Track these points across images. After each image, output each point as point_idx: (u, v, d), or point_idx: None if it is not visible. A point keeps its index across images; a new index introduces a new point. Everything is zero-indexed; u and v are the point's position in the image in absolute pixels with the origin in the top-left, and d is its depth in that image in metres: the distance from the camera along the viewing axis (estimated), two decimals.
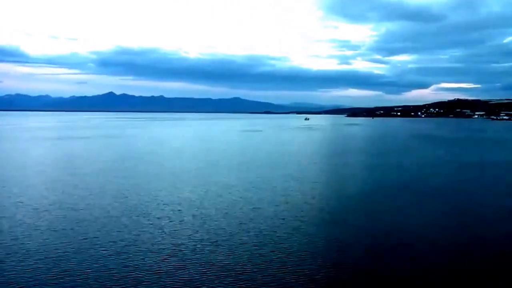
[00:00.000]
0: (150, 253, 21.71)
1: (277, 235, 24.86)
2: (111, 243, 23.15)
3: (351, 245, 23.37)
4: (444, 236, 25.21)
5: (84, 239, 23.86)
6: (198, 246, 22.84)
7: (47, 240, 23.59)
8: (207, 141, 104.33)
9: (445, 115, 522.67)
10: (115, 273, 19.32)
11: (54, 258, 20.96)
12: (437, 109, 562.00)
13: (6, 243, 23.07)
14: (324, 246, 23.31)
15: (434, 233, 25.88)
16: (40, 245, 22.75)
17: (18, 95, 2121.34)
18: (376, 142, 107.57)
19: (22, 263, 20.28)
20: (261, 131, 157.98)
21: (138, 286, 18.11)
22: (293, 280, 18.79)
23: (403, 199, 35.17)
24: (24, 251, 21.90)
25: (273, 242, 23.53)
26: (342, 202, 34.03)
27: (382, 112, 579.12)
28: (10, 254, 21.48)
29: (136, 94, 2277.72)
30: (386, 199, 35.08)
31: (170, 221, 27.42)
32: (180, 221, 27.55)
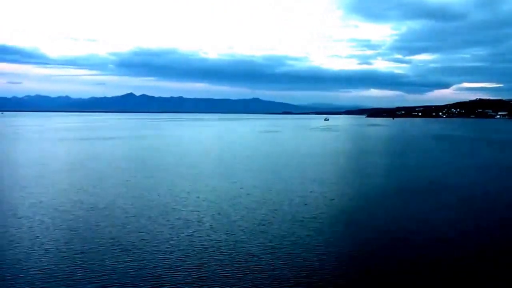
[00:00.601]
0: (168, 253, 21.72)
1: (296, 236, 24.69)
2: (130, 243, 23.22)
3: (370, 247, 23.11)
4: (464, 239, 24.83)
5: (103, 238, 23.99)
6: (216, 246, 22.79)
7: (67, 240, 23.77)
8: (225, 142, 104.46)
9: (466, 115, 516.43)
10: (133, 273, 19.36)
11: (73, 257, 21.09)
12: (458, 109, 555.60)
13: (26, 242, 23.30)
14: (344, 247, 23.08)
15: (454, 235, 25.48)
16: (60, 245, 22.92)
17: (38, 96, 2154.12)
18: (396, 143, 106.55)
19: (42, 262, 20.45)
20: (280, 132, 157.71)
21: (157, 286, 18.13)
22: (312, 281, 18.61)
23: (424, 201, 34.65)
24: (44, 250, 22.09)
25: (291, 244, 23.36)
26: (362, 203, 33.69)
27: (403, 112, 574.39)
28: (29, 253, 21.68)
29: (155, 95, 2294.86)
30: (406, 201, 34.65)
31: (189, 222, 27.40)
32: (199, 221, 27.51)
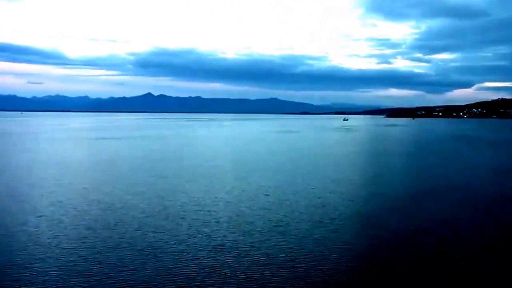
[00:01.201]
0: (185, 254, 21.59)
1: (314, 237, 24.37)
2: (147, 243, 23.15)
3: (389, 249, 22.71)
4: (486, 242, 24.24)
5: (121, 238, 23.96)
6: (233, 247, 22.59)
7: (84, 239, 23.80)
8: (243, 142, 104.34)
9: (488, 115, 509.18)
10: (150, 273, 19.27)
11: (90, 257, 21.08)
12: (479, 109, 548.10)
13: (44, 241, 23.38)
14: (362, 249, 22.70)
15: (476, 238, 24.93)
16: (77, 244, 22.94)
17: (57, 96, 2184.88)
18: (416, 144, 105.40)
19: (59, 261, 20.47)
20: (298, 132, 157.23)
21: (173, 286, 18.00)
22: (330, 283, 18.34)
23: (444, 203, 34.05)
24: (61, 249, 22.13)
25: (309, 245, 23.06)
26: (381, 204, 33.17)
27: (423, 112, 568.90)
28: (47, 252, 21.74)
29: (174, 95, 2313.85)
30: (426, 203, 34.05)
31: (206, 222, 27.24)
32: (216, 222, 27.33)
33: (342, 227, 26.65)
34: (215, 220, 27.86)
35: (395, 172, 52.16)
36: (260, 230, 25.66)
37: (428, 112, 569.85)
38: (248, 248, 22.47)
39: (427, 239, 24.53)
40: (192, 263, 20.39)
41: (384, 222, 28.07)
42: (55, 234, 24.54)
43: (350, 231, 25.85)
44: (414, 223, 27.95)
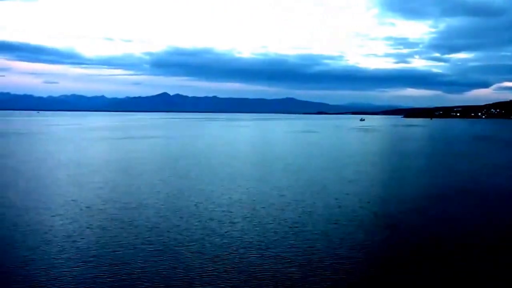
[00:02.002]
0: (200, 254, 21.42)
1: (329, 239, 24.05)
2: (162, 243, 23.04)
3: (406, 251, 22.29)
4: (505, 245, 23.60)
5: (135, 238, 23.88)
6: (248, 248, 22.37)
7: (98, 239, 23.77)
8: (260, 142, 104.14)
9: (507, 116, 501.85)
10: (165, 273, 19.17)
11: (104, 256, 21.01)
12: (498, 110, 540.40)
13: (59, 240, 23.38)
14: (378, 251, 22.33)
15: (495, 240, 24.35)
16: (91, 243, 22.92)
17: (73, 95, 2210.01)
18: (434, 144, 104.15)
19: (73, 261, 20.44)
20: (316, 132, 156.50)
21: (188, 286, 17.88)
22: (345, 284, 18.05)
23: (463, 205, 33.51)
24: (76, 249, 22.11)
25: (325, 247, 22.74)
26: (398, 206, 32.62)
27: (441, 112, 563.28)
28: (62, 251, 21.73)
29: (190, 94, 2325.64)
30: (444, 204, 33.50)
31: (221, 223, 27.03)
32: (231, 222, 27.10)
33: (358, 228, 26.26)
34: (231, 220, 27.63)
35: (413, 173, 51.45)
36: (276, 231, 25.38)
37: (446, 112, 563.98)
38: (263, 249, 22.22)
39: (446, 242, 24.01)
40: (207, 263, 20.21)
41: (401, 223, 27.61)
42: (70, 234, 24.53)
43: (366, 233, 25.44)
44: (432, 225, 27.47)
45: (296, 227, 26.29)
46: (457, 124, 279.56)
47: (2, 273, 19.10)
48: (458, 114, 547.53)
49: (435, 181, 45.25)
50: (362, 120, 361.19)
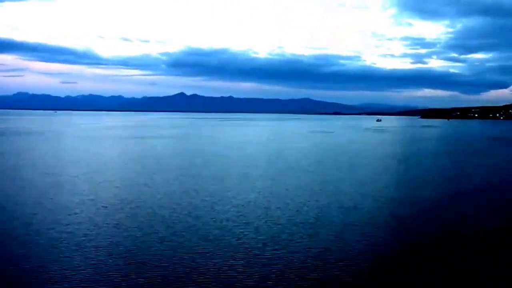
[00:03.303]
0: (215, 254, 21.42)
1: (344, 240, 23.93)
2: (177, 243, 23.12)
3: (422, 253, 22.02)
4: None
5: (151, 237, 23.99)
6: (262, 249, 22.33)
7: (114, 238, 23.93)
8: (276, 142, 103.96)
9: None
10: (180, 272, 19.23)
11: (120, 255, 21.14)
12: None
13: (75, 239, 23.57)
14: (394, 254, 22.12)
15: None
16: (107, 242, 23.07)
17: (91, 95, 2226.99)
18: (451, 145, 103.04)
19: (90, 259, 20.60)
20: (331, 132, 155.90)
21: (201, 285, 17.92)
22: (360, 286, 17.80)
23: (480, 207, 33.08)
24: (92, 247, 22.26)
25: (339, 248, 22.63)
26: (415, 208, 32.35)
27: (458, 113, 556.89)
28: (78, 249, 21.91)
29: (206, 94, 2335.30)
30: (461, 206, 33.22)
31: (236, 223, 27.03)
32: (246, 223, 27.09)
33: (373, 230, 26.08)
34: (246, 220, 27.60)
35: (429, 175, 50.94)
36: (291, 232, 25.30)
37: (463, 113, 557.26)
38: (278, 250, 22.18)
39: (461, 244, 23.72)
40: (221, 263, 20.21)
41: (417, 225, 27.39)
42: (85, 232, 24.69)
43: (381, 234, 25.29)
44: (450, 227, 27.15)
45: (311, 228, 26.17)
46: (475, 125, 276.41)
47: (19, 270, 19.29)
48: (476, 115, 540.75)
49: (451, 183, 44.79)
50: (378, 120, 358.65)
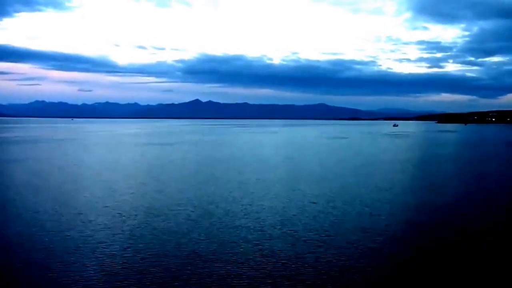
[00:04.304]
0: (230, 262, 21.29)
1: (360, 248, 23.68)
2: (192, 250, 23.05)
3: (439, 262, 21.66)
4: None
5: (166, 245, 23.97)
6: (277, 257, 22.14)
7: (130, 245, 23.96)
8: (291, 148, 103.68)
9: None
10: (194, 280, 19.16)
11: (135, 263, 21.12)
12: None
13: (90, 246, 23.63)
14: (410, 264, 21.79)
15: None
16: (122, 250, 23.11)
17: (107, 103, 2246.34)
18: (469, 151, 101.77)
19: (104, 267, 20.63)
20: (347, 138, 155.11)
21: None
22: None
23: (499, 215, 32.48)
24: (106, 255, 22.30)
25: (355, 256, 22.40)
26: (432, 216, 31.90)
27: (475, 118, 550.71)
28: (92, 258, 21.96)
29: (221, 101, 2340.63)
30: (480, 213, 32.66)
31: (251, 230, 26.96)
32: (261, 230, 26.98)
33: (390, 238, 25.81)
34: (261, 228, 27.48)
35: (447, 181, 50.36)
36: (306, 239, 25.13)
37: (481, 117, 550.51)
38: (293, 257, 22.01)
39: (480, 253, 23.30)
40: (237, 271, 20.11)
41: (435, 234, 26.99)
42: (100, 240, 24.77)
43: (397, 243, 24.99)
44: (469, 235, 26.72)
45: (327, 235, 25.95)
46: (492, 130, 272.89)
47: (34, 277, 19.39)
48: (494, 119, 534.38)
49: (470, 189, 44.19)
50: (395, 125, 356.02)
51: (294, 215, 30.90)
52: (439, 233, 26.84)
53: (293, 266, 20.92)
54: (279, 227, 27.74)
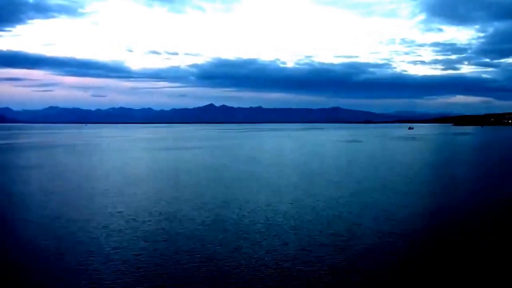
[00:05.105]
0: (245, 267, 21.05)
1: (376, 254, 23.26)
2: (206, 256, 22.83)
3: (458, 270, 21.14)
4: None
5: (180, 250, 23.79)
6: (292, 261, 21.84)
7: (143, 250, 23.82)
8: (306, 152, 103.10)
9: None
10: (209, 284, 19.03)
11: (148, 268, 20.94)
12: None
13: (104, 251, 23.57)
14: (427, 268, 21.27)
15: None
16: (136, 255, 22.93)
17: (121, 108, 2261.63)
18: (486, 154, 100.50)
19: (119, 272, 20.52)
20: (362, 142, 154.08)
21: None
22: None
23: None
24: (120, 261, 22.16)
25: (371, 262, 22.01)
26: (449, 220, 31.36)
27: (492, 120, 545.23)
28: (106, 263, 21.86)
29: (235, 105, 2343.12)
30: (500, 217, 31.96)
31: (266, 235, 26.73)
32: (275, 235, 26.72)
33: (406, 242, 25.42)
34: (276, 233, 27.18)
35: (463, 184, 49.65)
36: (322, 244, 24.81)
37: (497, 119, 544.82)
38: (308, 262, 21.68)
39: (497, 258, 22.73)
40: (252, 277, 19.88)
41: (452, 238, 26.50)
42: (115, 245, 24.69)
43: (414, 247, 24.59)
44: (486, 240, 26.14)
45: (344, 240, 25.58)
46: (509, 132, 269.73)
47: (48, 282, 19.36)
48: (511, 121, 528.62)
49: (487, 192, 43.37)
50: (410, 128, 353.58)
51: (309, 220, 30.51)
52: (454, 239, 26.31)
53: (308, 271, 20.59)
54: (294, 232, 27.38)
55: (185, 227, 28.66)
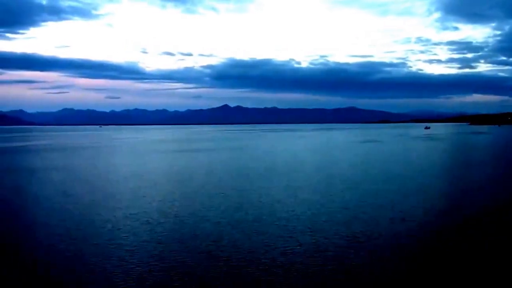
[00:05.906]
0: (260, 271, 20.84)
1: (393, 257, 22.98)
2: (221, 258, 22.71)
3: (476, 274, 20.70)
4: None
5: (195, 252, 23.66)
6: (306, 263, 21.61)
7: (158, 253, 23.74)
8: (322, 153, 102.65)
9: None
10: (225, 287, 18.73)
11: (163, 271, 20.86)
12: None
13: (118, 254, 23.54)
14: (446, 271, 20.92)
15: None
16: (151, 258, 22.86)
17: (136, 109, 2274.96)
18: (503, 154, 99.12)
19: (133, 275, 20.46)
20: (380, 141, 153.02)
21: None
22: None
23: None
24: (134, 264, 22.07)
25: (387, 265, 21.74)
26: (468, 221, 30.83)
27: (510, 118, 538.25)
28: (119, 266, 21.80)
29: (250, 106, 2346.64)
30: None
31: (282, 237, 26.54)
32: (291, 237, 26.52)
33: (423, 244, 25.11)
34: (292, 235, 26.98)
35: (482, 185, 48.71)
36: (338, 245, 24.60)
37: None
38: (324, 265, 21.45)
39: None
40: (266, 279, 19.69)
41: (468, 241, 26.06)
42: (129, 248, 24.66)
43: (432, 249, 24.19)
44: (503, 243, 25.65)
45: (360, 242, 25.35)
46: None
47: (65, 284, 19.40)
48: None
49: (506, 194, 42.62)
50: (427, 128, 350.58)
51: (324, 221, 30.24)
52: (472, 241, 25.88)
53: (324, 273, 20.37)
54: (310, 233, 27.17)
55: (200, 229, 28.56)
